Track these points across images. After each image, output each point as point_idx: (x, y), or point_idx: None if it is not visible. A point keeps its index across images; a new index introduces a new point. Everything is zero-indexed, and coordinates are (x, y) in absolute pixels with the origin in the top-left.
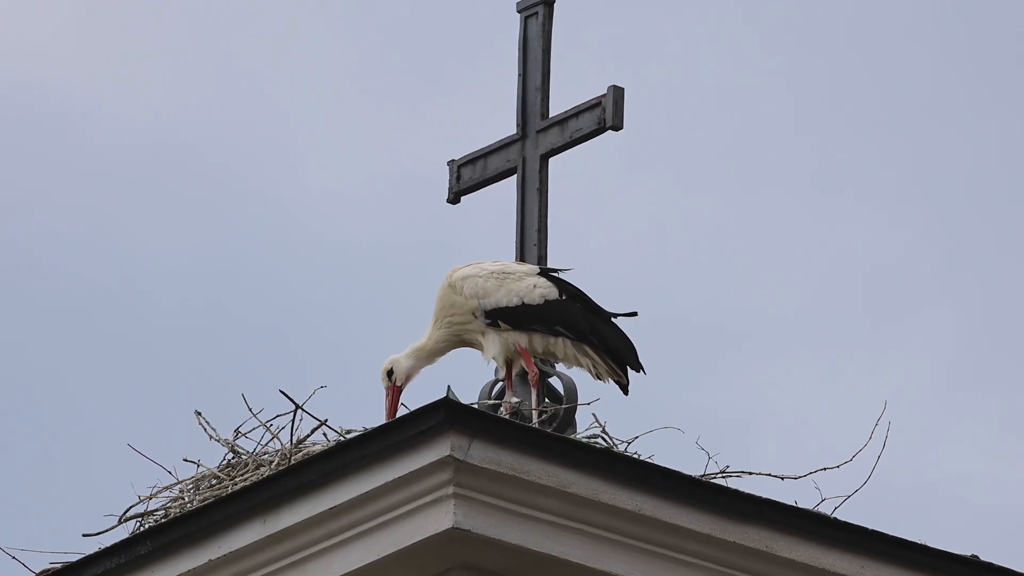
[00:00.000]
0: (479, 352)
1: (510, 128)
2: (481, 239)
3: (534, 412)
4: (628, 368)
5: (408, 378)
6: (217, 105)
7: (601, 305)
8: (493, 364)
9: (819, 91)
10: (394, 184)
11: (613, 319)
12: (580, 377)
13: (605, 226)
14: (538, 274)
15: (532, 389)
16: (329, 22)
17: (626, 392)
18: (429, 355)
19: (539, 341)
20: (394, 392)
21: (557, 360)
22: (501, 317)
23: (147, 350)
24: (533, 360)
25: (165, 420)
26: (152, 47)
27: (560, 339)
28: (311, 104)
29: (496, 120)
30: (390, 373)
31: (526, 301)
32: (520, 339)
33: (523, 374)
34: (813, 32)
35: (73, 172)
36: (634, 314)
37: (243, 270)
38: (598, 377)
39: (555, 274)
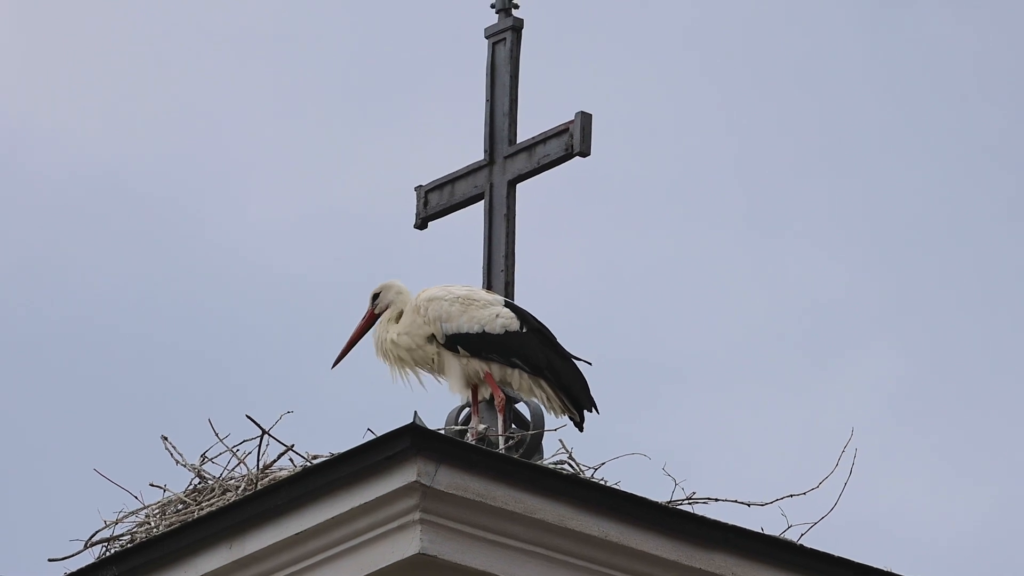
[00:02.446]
0: (442, 378)
1: (478, 154)
2: (448, 265)
3: (500, 438)
4: (582, 408)
5: (385, 310)
6: (162, 138)
7: (560, 341)
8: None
9: (763, 127)
10: (360, 211)
11: (573, 359)
12: None
13: (561, 254)
14: (504, 304)
15: (498, 414)
16: (281, 52)
17: (580, 428)
18: (401, 338)
19: (496, 370)
20: (369, 316)
21: (513, 390)
22: (460, 343)
23: (105, 378)
24: (499, 386)
25: (131, 445)
26: (92, 80)
27: (517, 370)
28: (269, 136)
29: (463, 146)
30: (376, 296)
31: (487, 330)
32: (479, 367)
33: (490, 400)
34: (759, 69)
35: (15, 205)
36: (589, 363)
37: (189, 301)
38: (551, 411)
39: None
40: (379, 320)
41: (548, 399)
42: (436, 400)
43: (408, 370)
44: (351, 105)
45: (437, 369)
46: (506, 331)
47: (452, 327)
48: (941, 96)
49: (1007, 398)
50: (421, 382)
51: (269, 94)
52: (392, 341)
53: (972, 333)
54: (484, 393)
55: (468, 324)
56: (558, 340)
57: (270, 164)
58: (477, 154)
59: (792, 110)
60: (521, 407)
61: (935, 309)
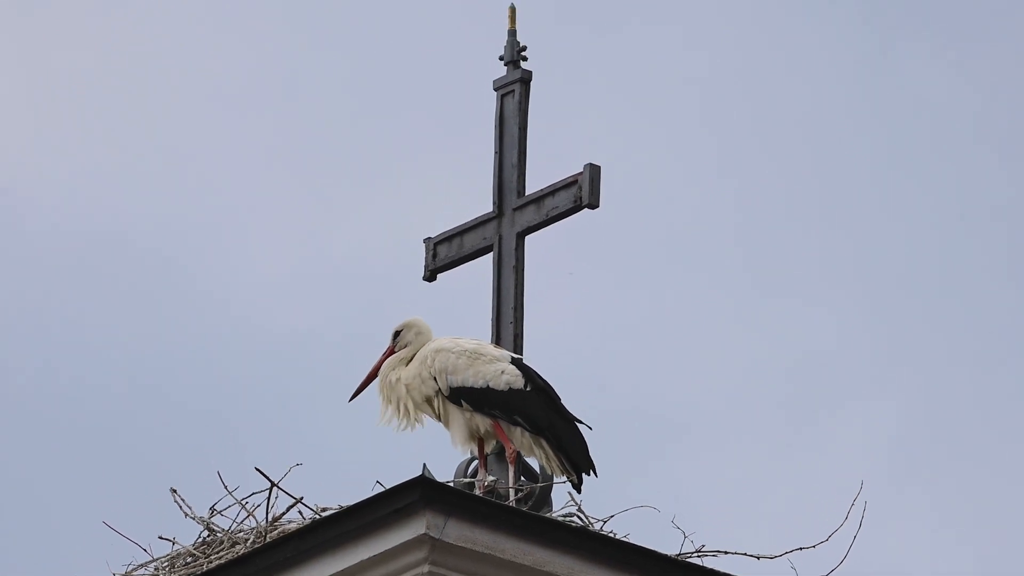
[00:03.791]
0: (447, 431)
1: (486, 206)
2: (457, 317)
3: (510, 490)
4: (580, 471)
5: (404, 348)
6: (164, 192)
7: (564, 398)
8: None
9: (760, 182)
10: (368, 263)
11: (575, 422)
12: None
13: (569, 306)
14: (510, 361)
15: (509, 465)
16: (286, 105)
17: (578, 490)
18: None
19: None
20: (389, 353)
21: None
22: (464, 396)
23: (114, 431)
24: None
25: (140, 497)
26: (91, 136)
27: (518, 428)
28: (276, 191)
29: (472, 197)
30: (397, 333)
31: (491, 385)
32: (484, 422)
33: (499, 452)
34: (757, 124)
35: (12, 259)
36: (590, 427)
37: (197, 356)
38: (551, 471)
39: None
40: (390, 360)
41: (548, 459)
42: (445, 453)
43: (396, 413)
44: (359, 157)
45: (442, 421)
46: (510, 388)
47: (457, 380)
48: (933, 150)
49: (1000, 451)
50: (412, 426)
51: (274, 149)
52: (391, 383)
53: (967, 387)
54: (490, 446)
55: (473, 379)
56: (561, 401)
57: (277, 219)
58: (486, 206)
59: (787, 164)
60: (530, 459)
61: (929, 363)
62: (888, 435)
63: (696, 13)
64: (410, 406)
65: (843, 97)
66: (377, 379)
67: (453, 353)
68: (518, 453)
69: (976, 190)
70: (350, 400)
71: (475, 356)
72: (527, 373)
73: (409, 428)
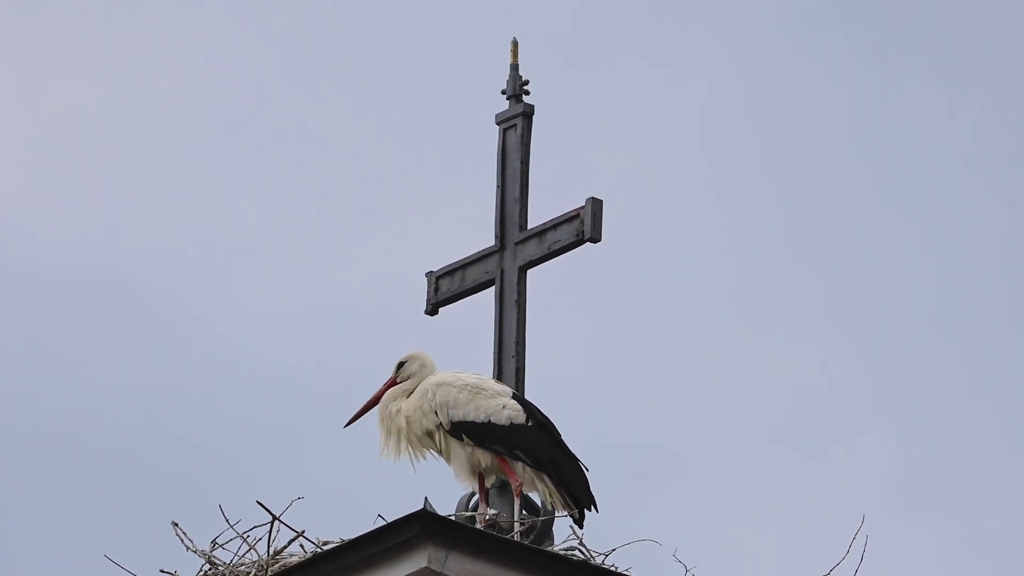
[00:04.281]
0: (450, 466)
1: (489, 239)
2: (459, 351)
3: (516, 523)
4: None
5: (407, 379)
6: (161, 228)
7: (565, 432)
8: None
9: (759, 218)
10: (370, 297)
11: (575, 459)
12: None
13: (571, 340)
14: (511, 396)
15: (515, 499)
16: (289, 140)
17: (580, 525)
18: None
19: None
20: (390, 384)
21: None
22: (465, 431)
23: (116, 464)
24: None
25: (142, 531)
26: (89, 170)
27: (520, 463)
28: (281, 225)
29: (474, 231)
30: (401, 365)
31: (492, 420)
32: (484, 457)
33: (500, 486)
34: (757, 161)
35: (10, 293)
36: (587, 468)
37: (198, 391)
38: (552, 506)
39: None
40: (391, 391)
41: (550, 494)
42: (446, 487)
43: (396, 446)
44: (362, 191)
45: (443, 455)
46: (511, 423)
47: (458, 415)
48: (930, 187)
49: (998, 487)
50: (412, 463)
51: (277, 182)
52: (391, 414)
53: (964, 422)
54: (491, 480)
55: (474, 413)
56: (562, 437)
57: (280, 253)
58: (488, 240)
59: (786, 201)
60: (532, 492)
61: (926, 398)
62: (886, 470)
63: (696, 49)
64: (412, 440)
65: (842, 132)
66: (377, 408)
67: (454, 387)
68: (522, 485)
69: (973, 227)
70: (346, 425)
71: (476, 391)
72: (528, 409)
73: (410, 462)
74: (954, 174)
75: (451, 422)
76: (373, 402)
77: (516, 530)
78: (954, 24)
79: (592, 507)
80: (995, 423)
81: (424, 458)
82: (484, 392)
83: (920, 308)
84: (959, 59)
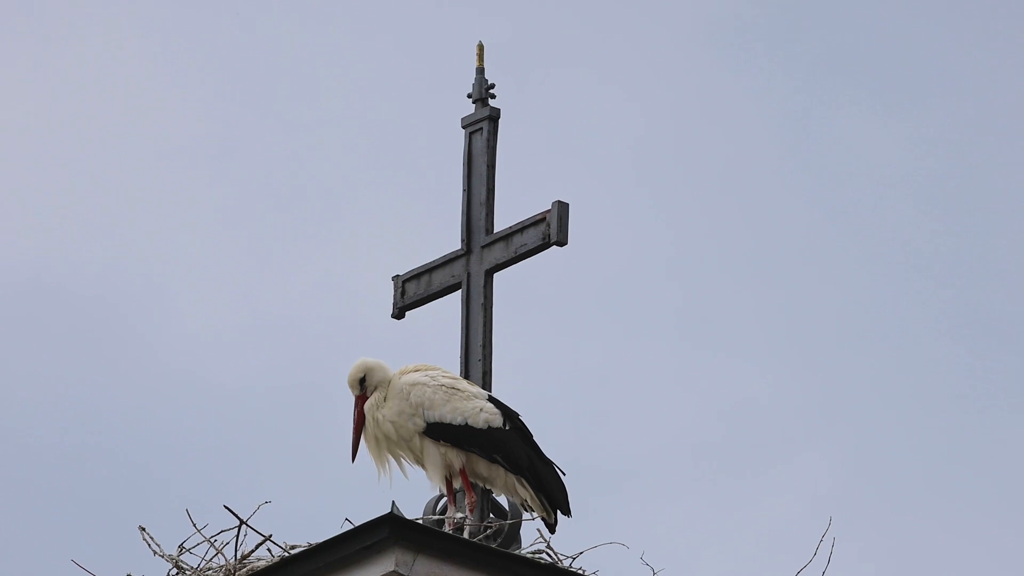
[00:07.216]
0: (422, 467)
1: (455, 243)
2: (425, 355)
3: (480, 526)
4: (558, 509)
5: (375, 390)
6: (93, 243)
7: (535, 437)
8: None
9: (695, 234)
10: (335, 302)
11: (552, 463)
12: None
13: (537, 344)
14: (487, 399)
15: (468, 514)
16: (253, 146)
17: (552, 531)
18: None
19: (477, 463)
20: (362, 403)
21: (492, 487)
22: (441, 433)
23: (81, 468)
24: (472, 484)
25: (108, 535)
26: (24, 185)
27: (498, 467)
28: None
29: (441, 235)
30: (361, 380)
31: (470, 423)
32: (458, 458)
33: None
34: (692, 179)
35: None
36: (563, 472)
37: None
38: (529, 511)
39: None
40: (369, 401)
41: (529, 498)
42: (414, 490)
43: (388, 453)
44: (326, 194)
45: (420, 456)
46: (489, 427)
47: (434, 416)
48: (862, 205)
49: (935, 503)
50: (402, 468)
51: (227, 193)
52: (377, 422)
53: (902, 438)
54: (459, 482)
55: (451, 415)
56: (536, 442)
57: (250, 259)
58: (454, 243)
59: (718, 218)
60: (500, 496)
61: (863, 416)
62: (823, 487)
63: (629, 68)
64: (403, 445)
65: (772, 148)
66: (367, 426)
67: (429, 388)
68: (477, 502)
69: (904, 244)
70: (353, 460)
71: (452, 391)
72: (505, 412)
73: (401, 472)
74: (883, 191)
75: (427, 423)
76: (359, 423)
77: (479, 536)
78: (881, 41)
79: (568, 512)
80: (930, 438)
81: (413, 465)
82: (460, 393)
83: (854, 324)
84: (887, 77)
